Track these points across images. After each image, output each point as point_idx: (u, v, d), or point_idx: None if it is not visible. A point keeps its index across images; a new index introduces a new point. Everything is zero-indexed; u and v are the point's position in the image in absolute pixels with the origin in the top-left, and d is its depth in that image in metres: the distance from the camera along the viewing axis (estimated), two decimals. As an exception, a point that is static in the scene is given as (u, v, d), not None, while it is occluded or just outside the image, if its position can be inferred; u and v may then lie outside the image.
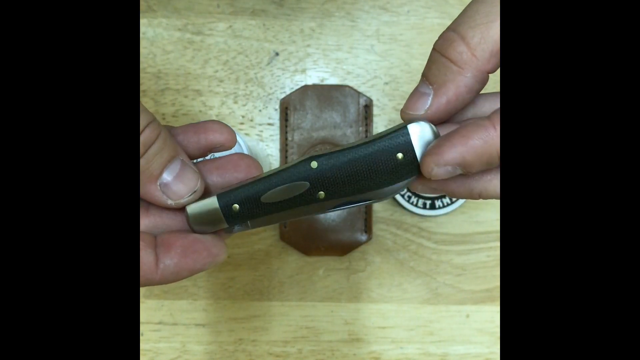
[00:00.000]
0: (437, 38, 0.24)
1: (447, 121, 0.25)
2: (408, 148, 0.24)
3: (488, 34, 0.22)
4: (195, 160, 0.27)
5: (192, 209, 0.25)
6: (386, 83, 0.51)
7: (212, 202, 0.25)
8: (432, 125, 0.24)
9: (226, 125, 0.27)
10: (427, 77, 0.24)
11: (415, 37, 0.51)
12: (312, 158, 0.24)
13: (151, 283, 0.25)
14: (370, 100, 0.50)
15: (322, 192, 0.25)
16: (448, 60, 0.23)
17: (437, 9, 0.51)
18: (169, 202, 0.25)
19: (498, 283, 0.51)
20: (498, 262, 0.51)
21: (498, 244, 0.51)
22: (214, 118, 0.49)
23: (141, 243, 0.24)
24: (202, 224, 0.26)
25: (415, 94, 0.24)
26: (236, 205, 0.25)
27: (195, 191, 0.25)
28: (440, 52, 0.23)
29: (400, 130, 0.24)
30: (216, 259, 0.26)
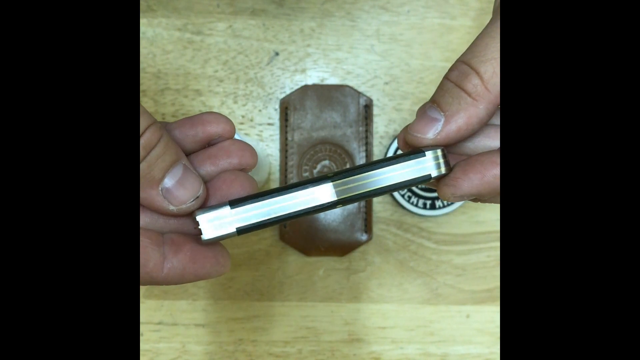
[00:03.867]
0: (447, 69, 0.26)
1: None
2: (425, 174, 0.25)
3: (499, 69, 0.24)
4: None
5: (201, 214, 0.25)
6: (386, 83, 0.51)
7: (231, 233, 0.25)
8: (445, 151, 0.25)
9: (223, 116, 0.27)
10: (439, 104, 0.25)
11: (415, 37, 0.51)
12: (337, 202, 0.25)
13: (155, 282, 0.24)
14: (370, 100, 0.50)
15: (340, 204, 0.25)
16: (463, 92, 0.24)
17: (437, 9, 0.51)
18: (171, 207, 0.24)
19: (498, 283, 0.51)
20: (498, 262, 0.51)
21: (498, 244, 0.51)
22: (214, 118, 0.49)
23: (147, 240, 0.24)
24: (209, 230, 0.25)
25: (425, 118, 0.25)
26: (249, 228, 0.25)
27: (197, 197, 0.25)
28: (455, 82, 0.25)
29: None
30: (222, 269, 0.25)
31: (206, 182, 0.26)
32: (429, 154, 0.25)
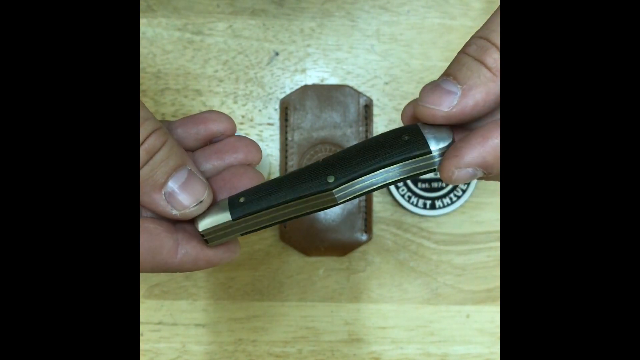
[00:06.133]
0: (464, 43, 0.24)
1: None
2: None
3: None
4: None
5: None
6: (386, 83, 0.51)
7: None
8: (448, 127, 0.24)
9: (224, 114, 0.27)
10: (456, 77, 0.23)
11: (415, 37, 0.51)
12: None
13: (169, 268, 0.25)
14: (370, 100, 0.50)
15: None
16: (483, 66, 0.23)
17: (437, 9, 0.51)
18: (174, 212, 0.25)
19: (498, 283, 0.51)
20: (498, 262, 0.51)
21: (498, 244, 0.51)
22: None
23: (160, 228, 0.25)
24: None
25: (438, 90, 0.24)
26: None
27: (201, 201, 0.25)
28: (474, 56, 0.23)
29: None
30: (232, 255, 0.27)
31: (213, 175, 0.27)
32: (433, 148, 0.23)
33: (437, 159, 0.24)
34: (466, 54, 0.24)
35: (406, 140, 0.24)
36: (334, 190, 0.24)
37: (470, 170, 0.23)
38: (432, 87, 0.24)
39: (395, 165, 0.24)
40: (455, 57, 0.24)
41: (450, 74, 0.24)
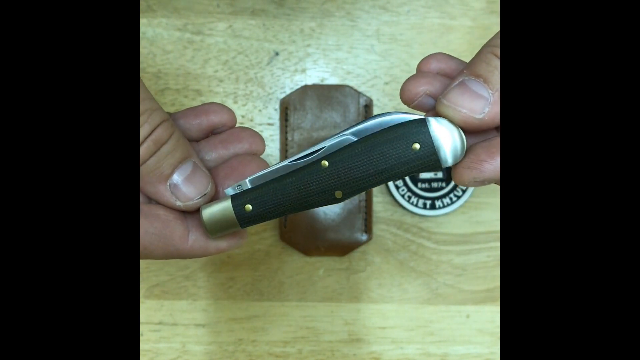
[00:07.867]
0: (488, 39, 0.22)
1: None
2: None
3: None
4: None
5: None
6: (386, 83, 0.51)
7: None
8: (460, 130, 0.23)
9: (225, 106, 0.28)
10: (487, 80, 0.22)
11: (415, 37, 0.51)
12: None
13: (180, 254, 0.25)
14: (370, 100, 0.50)
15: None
16: None
17: (437, 9, 0.51)
18: (178, 203, 0.25)
19: (498, 283, 0.51)
20: (498, 262, 0.51)
21: (498, 244, 0.51)
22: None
23: (171, 215, 0.25)
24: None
25: (469, 92, 0.22)
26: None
27: (205, 194, 0.26)
28: None
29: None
30: (240, 242, 0.27)
31: (219, 163, 0.28)
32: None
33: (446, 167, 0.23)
34: (495, 56, 0.22)
35: (417, 151, 0.23)
36: (341, 200, 0.25)
37: (485, 181, 0.22)
38: (461, 89, 0.22)
39: (405, 174, 0.24)
40: (483, 56, 0.22)
41: (480, 75, 0.22)
